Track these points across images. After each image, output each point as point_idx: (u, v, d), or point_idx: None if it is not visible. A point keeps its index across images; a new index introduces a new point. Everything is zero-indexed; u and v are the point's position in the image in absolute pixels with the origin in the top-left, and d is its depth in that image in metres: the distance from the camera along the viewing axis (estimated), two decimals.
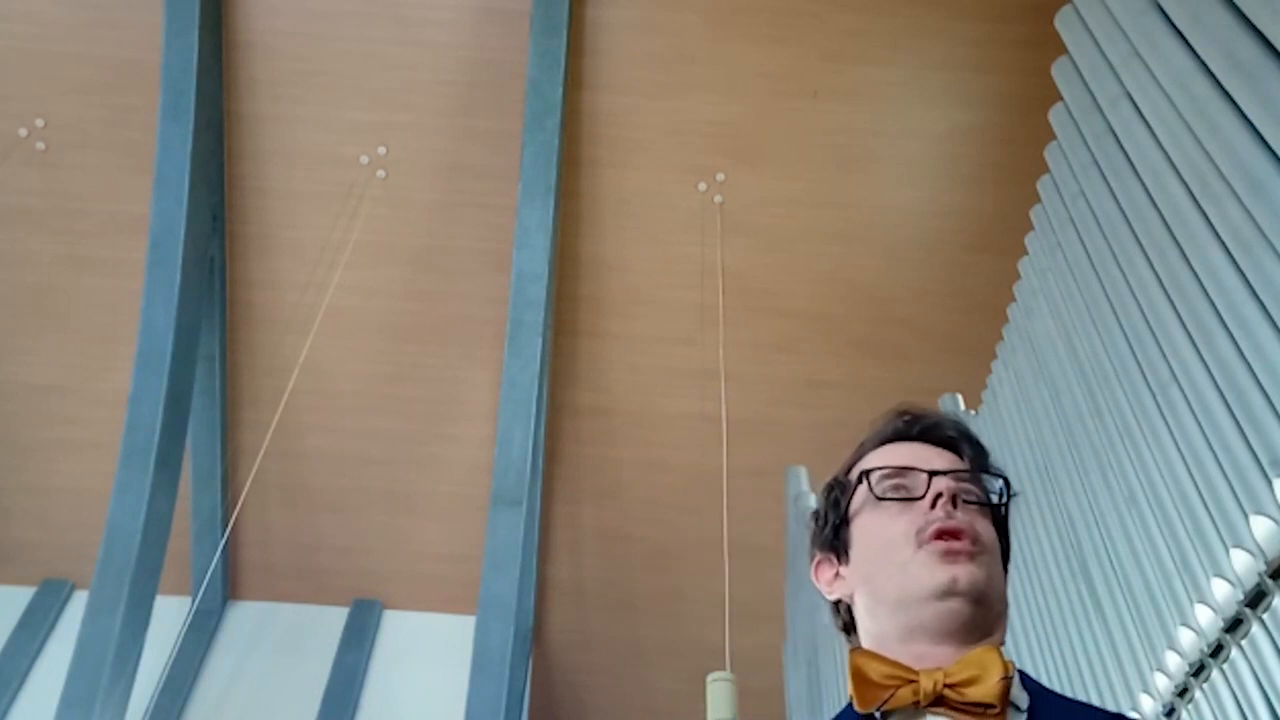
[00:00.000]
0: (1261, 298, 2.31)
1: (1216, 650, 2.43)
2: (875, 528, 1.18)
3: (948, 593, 1.08)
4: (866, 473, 1.20)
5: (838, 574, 1.23)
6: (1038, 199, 4.46)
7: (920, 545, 1.11)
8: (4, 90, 7.82)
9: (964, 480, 1.18)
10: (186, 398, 7.80)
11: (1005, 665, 1.05)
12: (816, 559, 1.26)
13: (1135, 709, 2.70)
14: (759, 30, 7.48)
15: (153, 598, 7.46)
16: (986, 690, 1.03)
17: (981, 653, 1.06)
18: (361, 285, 8.15)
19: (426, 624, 9.16)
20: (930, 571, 1.09)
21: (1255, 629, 2.28)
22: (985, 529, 1.15)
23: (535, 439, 7.95)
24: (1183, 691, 2.56)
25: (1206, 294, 2.52)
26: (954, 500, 1.14)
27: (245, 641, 9.08)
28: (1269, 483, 2.24)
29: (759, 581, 7.10)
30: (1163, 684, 2.61)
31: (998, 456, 1.20)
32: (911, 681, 1.06)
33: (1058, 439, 3.41)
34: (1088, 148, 3.48)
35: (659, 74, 7.66)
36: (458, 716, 7.25)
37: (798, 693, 5.69)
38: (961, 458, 1.22)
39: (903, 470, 1.19)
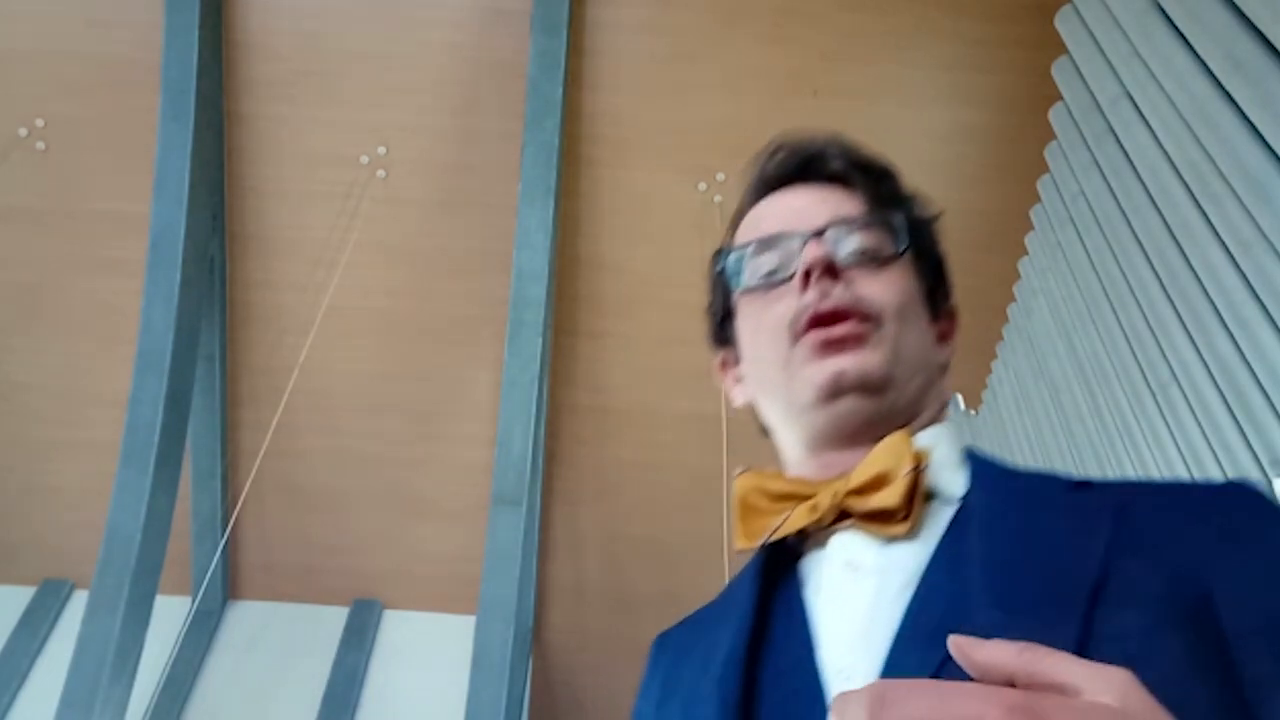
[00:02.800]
0: (1261, 298, 2.31)
1: None
2: (751, 320, 0.97)
3: (834, 392, 0.88)
4: (727, 253, 0.99)
5: (739, 374, 1.02)
6: (1038, 199, 4.46)
7: (796, 338, 0.91)
8: (4, 90, 7.82)
9: (855, 229, 0.94)
10: (186, 398, 7.80)
11: (916, 455, 0.84)
12: (717, 357, 1.06)
13: None
14: (759, 30, 7.48)
15: (153, 598, 7.46)
16: (890, 494, 0.82)
17: (889, 443, 0.85)
18: (361, 285, 8.15)
19: (426, 624, 9.16)
20: (811, 369, 0.89)
21: None
22: (882, 291, 0.91)
23: (535, 439, 7.95)
24: None
25: (1206, 294, 2.52)
26: (831, 270, 0.91)
27: (245, 641, 9.08)
28: (1269, 483, 2.23)
29: None
30: None
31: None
32: (806, 497, 0.87)
33: (1058, 439, 3.41)
34: (1088, 148, 3.48)
35: (659, 74, 7.66)
36: (458, 716, 7.25)
37: None
38: (855, 192, 0.98)
39: (773, 240, 0.95)
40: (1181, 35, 2.75)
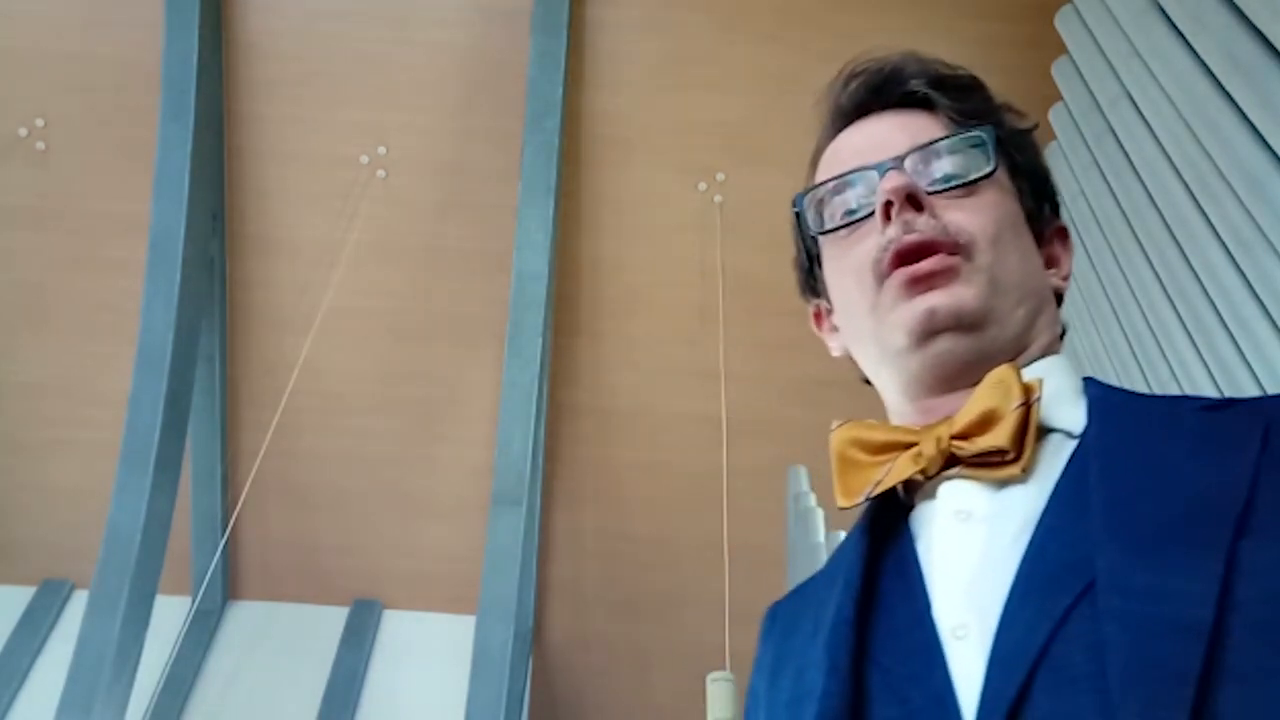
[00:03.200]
0: (1261, 298, 2.31)
1: None
2: (835, 264, 0.91)
3: (927, 332, 0.81)
4: (804, 194, 0.94)
5: (832, 322, 0.97)
6: None
7: (882, 279, 0.84)
8: (4, 90, 7.81)
9: (939, 153, 0.87)
10: (186, 398, 7.80)
11: (1026, 388, 0.76)
12: (810, 307, 1.00)
13: None
14: (760, 30, 7.48)
15: (153, 598, 7.45)
16: (999, 433, 0.75)
17: (995, 378, 0.77)
18: (361, 285, 8.15)
19: (426, 624, 9.16)
20: (900, 311, 0.83)
21: None
22: (973, 217, 0.84)
23: (535, 439, 7.95)
24: None
25: (1206, 294, 2.52)
26: (913, 200, 0.84)
27: (245, 641, 9.07)
28: None
29: (759, 581, 7.08)
30: None
31: None
32: (910, 446, 0.79)
33: None
34: (1088, 148, 3.48)
35: (659, 74, 7.66)
36: (458, 716, 7.24)
37: None
38: (938, 113, 0.91)
39: (850, 176, 0.89)
40: (1181, 35, 2.75)
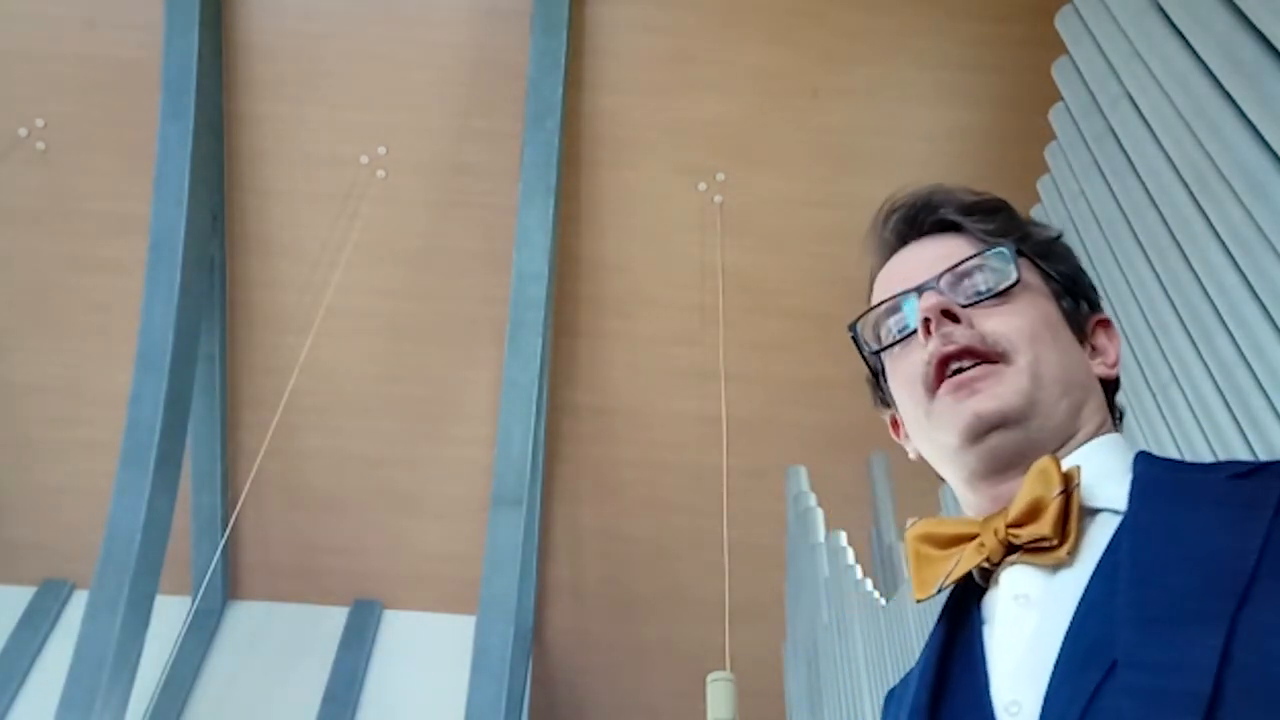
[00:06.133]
0: (1261, 298, 2.31)
1: None
2: (894, 378, 1.01)
3: (976, 433, 0.89)
4: (858, 320, 1.05)
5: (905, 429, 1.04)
6: (1038, 199, 4.47)
7: (932, 389, 0.93)
8: (4, 90, 7.81)
9: (969, 271, 0.97)
10: (186, 398, 7.80)
11: (1065, 477, 0.82)
12: (885, 417, 1.08)
13: None
14: (759, 29, 7.48)
15: (153, 598, 7.45)
16: (1043, 523, 0.82)
17: (1037, 470, 0.84)
18: (361, 285, 8.15)
19: (426, 624, 9.16)
20: (950, 416, 0.91)
21: None
22: (1007, 323, 0.93)
23: (535, 439, 7.95)
24: None
25: (1206, 294, 2.52)
26: (949, 314, 0.93)
27: (245, 641, 9.08)
28: None
29: (759, 581, 7.09)
30: None
31: None
32: (974, 537, 0.87)
33: None
34: (1088, 148, 3.48)
35: (659, 73, 7.66)
36: (458, 716, 7.24)
37: (798, 693, 5.68)
38: (967, 235, 1.01)
39: (896, 300, 1.00)
40: (1181, 35, 2.75)
